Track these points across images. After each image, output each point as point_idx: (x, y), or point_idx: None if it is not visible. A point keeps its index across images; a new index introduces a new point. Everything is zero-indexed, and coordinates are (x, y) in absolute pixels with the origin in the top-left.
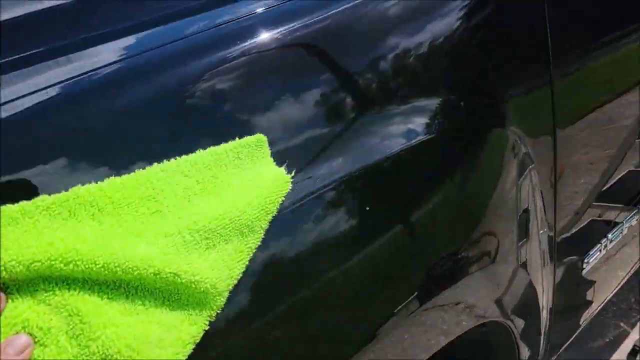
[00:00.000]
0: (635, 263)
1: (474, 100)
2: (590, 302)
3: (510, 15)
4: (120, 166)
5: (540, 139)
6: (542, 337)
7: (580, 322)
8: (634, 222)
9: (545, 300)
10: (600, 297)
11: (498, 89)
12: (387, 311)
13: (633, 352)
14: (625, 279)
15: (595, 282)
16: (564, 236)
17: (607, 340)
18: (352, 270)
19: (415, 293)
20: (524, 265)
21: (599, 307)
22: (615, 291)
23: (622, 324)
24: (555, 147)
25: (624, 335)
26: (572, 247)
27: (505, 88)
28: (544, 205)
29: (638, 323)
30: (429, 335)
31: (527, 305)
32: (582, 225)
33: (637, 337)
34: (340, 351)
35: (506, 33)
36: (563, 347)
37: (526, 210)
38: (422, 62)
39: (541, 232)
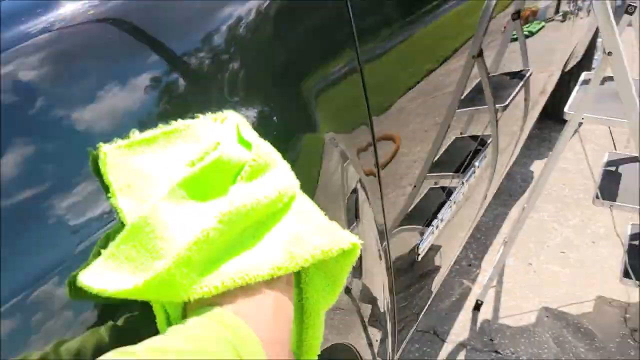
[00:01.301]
0: (473, 222)
1: (281, 101)
2: (439, 268)
3: (309, 8)
4: None
5: (358, 129)
6: (388, 331)
7: (432, 289)
8: (465, 189)
9: (385, 294)
10: (447, 260)
11: (305, 86)
12: None
13: (477, 307)
14: (466, 238)
15: (441, 246)
16: (395, 230)
17: (454, 299)
18: None
19: None
20: (357, 265)
21: (448, 269)
22: (459, 250)
23: (464, 281)
24: (373, 135)
25: (468, 291)
26: (404, 237)
27: (313, 84)
28: (369, 201)
29: (478, 277)
30: None
31: (364, 311)
32: (413, 209)
33: (479, 291)
34: None
35: (305, 27)
36: (419, 318)
37: (351, 211)
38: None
39: (370, 233)
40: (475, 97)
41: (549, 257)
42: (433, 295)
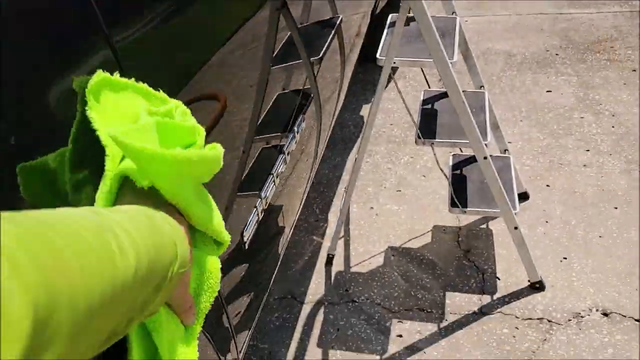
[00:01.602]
0: (309, 177)
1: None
2: (283, 228)
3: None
4: None
5: None
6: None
7: (280, 252)
8: (292, 147)
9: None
10: (290, 219)
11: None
12: None
13: (329, 261)
14: (306, 194)
15: (282, 206)
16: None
17: (306, 258)
18: None
19: None
20: None
21: (292, 228)
22: (301, 207)
23: (315, 237)
24: None
25: (319, 247)
26: (238, 205)
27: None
28: None
29: (326, 231)
30: None
31: None
32: (243, 174)
33: (329, 244)
34: None
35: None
36: (270, 285)
37: None
38: None
39: None
40: (288, 52)
41: (387, 198)
42: (281, 258)
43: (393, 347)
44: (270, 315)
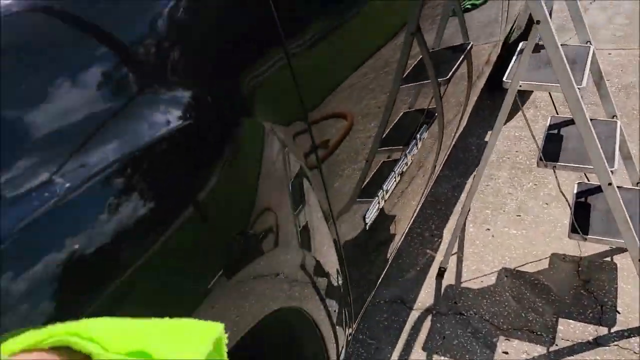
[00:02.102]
0: (423, 191)
1: (219, 93)
2: (393, 236)
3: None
4: None
5: (293, 120)
6: (342, 299)
7: (388, 257)
8: (408, 160)
9: (335, 267)
10: (401, 228)
11: (240, 80)
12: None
13: (440, 274)
14: (419, 207)
15: (394, 216)
16: (340, 204)
17: (418, 269)
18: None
19: (202, 287)
20: (306, 243)
21: (402, 238)
22: (413, 220)
23: (428, 251)
24: (309, 126)
25: (431, 260)
26: (350, 209)
27: (247, 79)
28: (310, 184)
29: (440, 246)
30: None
31: (317, 283)
32: (359, 184)
33: (442, 259)
34: None
35: (233, 23)
36: (376, 285)
37: (295, 192)
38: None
39: (315, 208)
40: (418, 73)
41: (505, 221)
42: (389, 263)
43: None
44: (379, 316)
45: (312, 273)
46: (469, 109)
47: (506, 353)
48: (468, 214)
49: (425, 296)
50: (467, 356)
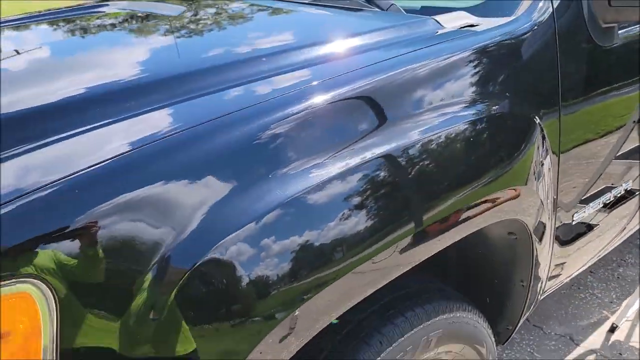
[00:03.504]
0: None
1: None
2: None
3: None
4: None
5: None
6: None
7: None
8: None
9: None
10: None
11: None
12: None
13: (611, 329)
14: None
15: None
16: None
17: (591, 321)
18: None
19: None
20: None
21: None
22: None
23: (604, 312)
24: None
25: (605, 319)
26: (569, 207)
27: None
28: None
29: (617, 311)
30: None
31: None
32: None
33: (615, 318)
34: None
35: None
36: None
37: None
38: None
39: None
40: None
41: None
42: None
43: None
44: (548, 342)
45: (536, 213)
46: None
47: None
48: None
49: (593, 339)
50: None
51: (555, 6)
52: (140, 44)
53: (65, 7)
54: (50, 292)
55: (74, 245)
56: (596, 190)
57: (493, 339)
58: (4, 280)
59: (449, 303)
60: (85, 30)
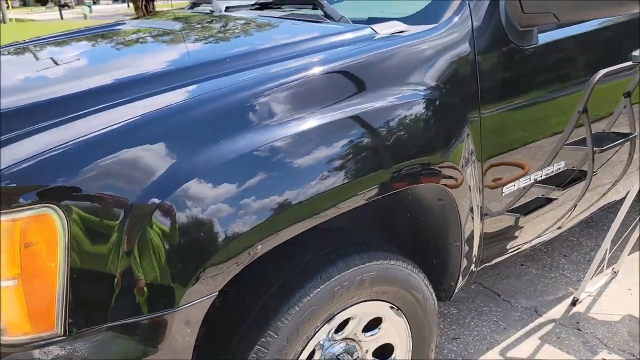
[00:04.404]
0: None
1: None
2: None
3: None
4: None
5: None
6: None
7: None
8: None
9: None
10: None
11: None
12: None
13: (573, 302)
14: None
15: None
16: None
17: (557, 296)
18: None
19: None
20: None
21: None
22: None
23: (570, 289)
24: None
25: (569, 295)
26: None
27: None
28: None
29: (579, 287)
30: None
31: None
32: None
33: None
34: None
35: None
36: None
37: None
38: None
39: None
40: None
41: None
42: (519, 247)
43: None
44: (513, 313)
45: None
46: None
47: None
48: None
49: (555, 311)
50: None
51: (473, 13)
52: (153, 49)
53: (85, 27)
54: (63, 214)
55: (81, 184)
56: (525, 172)
57: (431, 289)
58: (33, 205)
59: (384, 254)
60: (112, 42)
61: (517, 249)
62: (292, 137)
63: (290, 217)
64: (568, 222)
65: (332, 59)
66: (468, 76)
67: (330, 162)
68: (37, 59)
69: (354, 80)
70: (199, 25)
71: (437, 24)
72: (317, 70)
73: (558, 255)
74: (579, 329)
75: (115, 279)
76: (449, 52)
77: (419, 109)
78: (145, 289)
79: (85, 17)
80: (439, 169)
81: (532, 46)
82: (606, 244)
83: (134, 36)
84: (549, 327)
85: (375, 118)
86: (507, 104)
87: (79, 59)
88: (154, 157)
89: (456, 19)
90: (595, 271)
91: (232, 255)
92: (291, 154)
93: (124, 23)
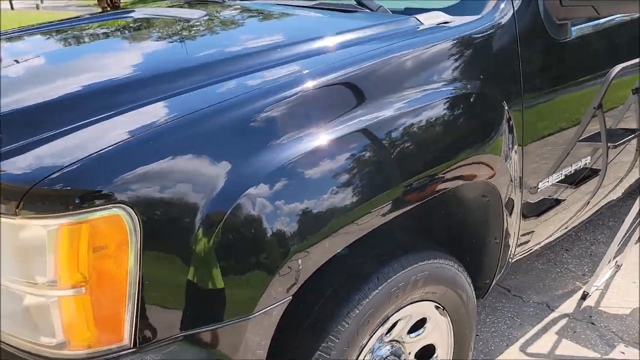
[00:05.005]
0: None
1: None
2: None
3: None
4: None
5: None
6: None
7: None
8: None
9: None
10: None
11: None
12: None
13: (583, 297)
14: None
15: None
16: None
17: (565, 291)
18: None
19: None
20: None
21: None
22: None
23: (577, 283)
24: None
25: (578, 289)
26: (531, 179)
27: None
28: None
29: (589, 281)
30: None
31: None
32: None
33: (586, 287)
34: None
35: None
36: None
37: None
38: None
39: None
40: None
41: None
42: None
43: None
44: (526, 308)
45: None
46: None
47: (623, 353)
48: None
49: (567, 305)
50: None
51: (515, 5)
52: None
53: (89, 15)
54: (135, 215)
55: (152, 184)
56: (558, 167)
57: (473, 289)
58: (104, 206)
59: (434, 253)
60: (124, 30)
61: (544, 242)
62: (368, 129)
63: (359, 218)
64: (582, 216)
65: (392, 49)
66: (512, 69)
67: (393, 161)
68: (102, 51)
69: (410, 75)
70: (229, 15)
71: (481, 15)
72: (392, 59)
73: (560, 250)
74: (592, 323)
75: (190, 285)
76: (496, 44)
77: (473, 102)
78: (221, 295)
79: (37, 7)
80: (491, 165)
81: (567, 39)
82: (618, 238)
83: (177, 27)
84: (564, 321)
85: (432, 113)
86: (547, 96)
87: (142, 48)
88: (226, 155)
89: (499, 10)
90: (607, 265)
91: (306, 260)
92: (367, 152)
93: (133, 10)
